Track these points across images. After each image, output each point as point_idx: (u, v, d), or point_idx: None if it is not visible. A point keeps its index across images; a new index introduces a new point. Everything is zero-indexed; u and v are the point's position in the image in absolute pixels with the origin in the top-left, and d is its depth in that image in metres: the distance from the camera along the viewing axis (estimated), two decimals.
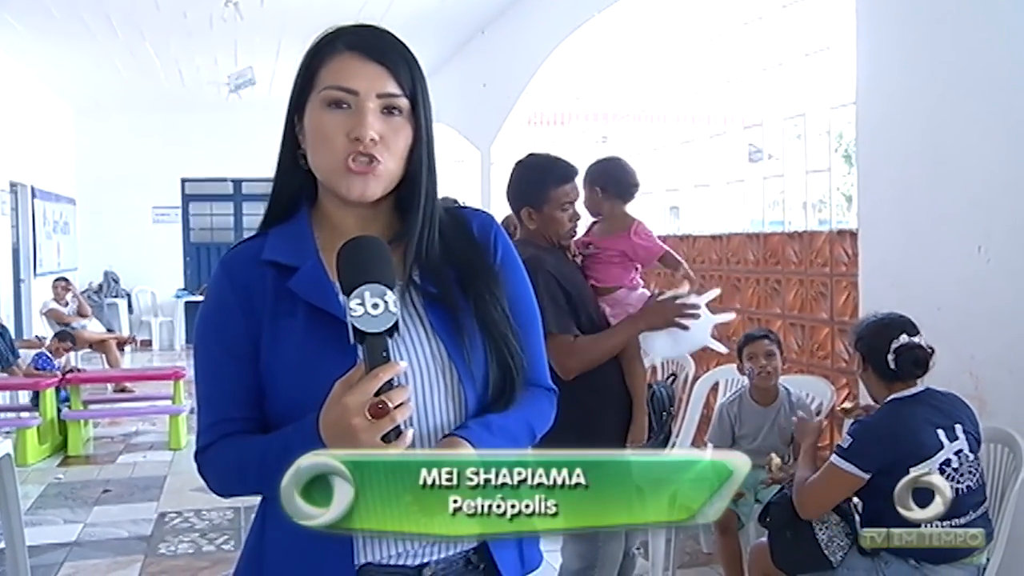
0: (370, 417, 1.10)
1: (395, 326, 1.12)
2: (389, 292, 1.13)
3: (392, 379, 1.12)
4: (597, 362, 2.69)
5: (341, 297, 1.17)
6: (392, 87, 1.27)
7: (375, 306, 1.12)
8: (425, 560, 1.28)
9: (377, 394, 1.11)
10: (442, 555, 1.28)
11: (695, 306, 2.73)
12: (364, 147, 1.25)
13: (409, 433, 1.13)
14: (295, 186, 1.35)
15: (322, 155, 1.28)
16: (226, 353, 1.29)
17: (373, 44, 1.29)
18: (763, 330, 3.80)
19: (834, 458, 2.63)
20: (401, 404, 1.11)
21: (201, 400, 1.33)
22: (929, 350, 2.63)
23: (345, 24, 1.33)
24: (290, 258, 1.30)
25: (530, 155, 2.86)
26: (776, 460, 3.10)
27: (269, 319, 1.28)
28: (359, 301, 1.12)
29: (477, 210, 1.45)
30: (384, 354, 1.12)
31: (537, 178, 2.75)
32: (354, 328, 1.12)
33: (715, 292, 2.91)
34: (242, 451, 1.27)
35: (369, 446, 1.11)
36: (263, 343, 1.28)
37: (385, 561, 1.26)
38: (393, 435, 1.11)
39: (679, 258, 3.01)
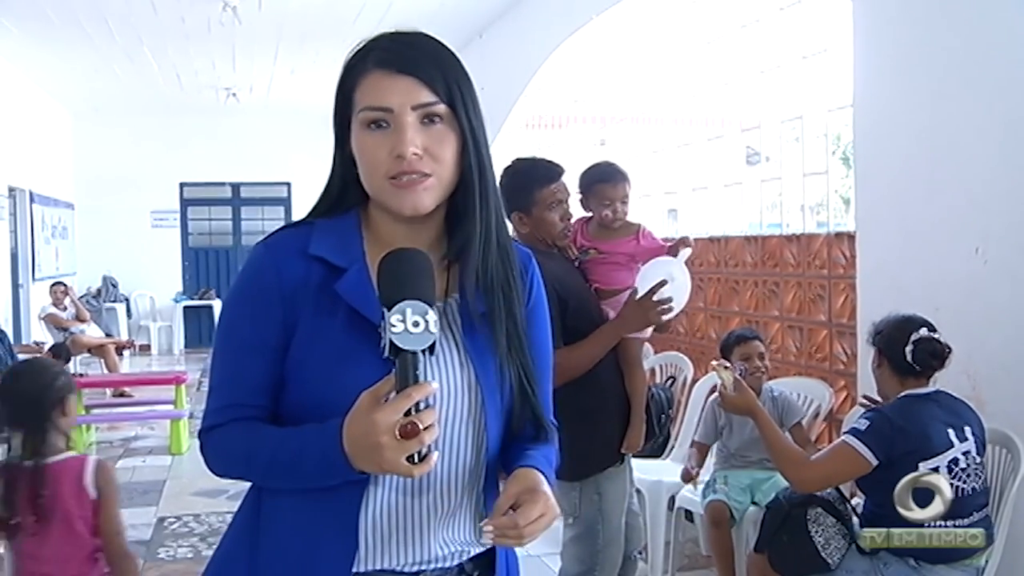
0: (399, 437, 1.09)
1: (432, 346, 1.11)
2: (430, 311, 1.11)
3: (420, 399, 1.10)
4: (577, 373, 2.59)
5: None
6: (426, 96, 1.24)
7: (415, 324, 1.10)
8: (421, 568, 1.28)
9: (406, 414, 1.09)
10: (437, 565, 1.29)
11: (669, 300, 2.62)
12: (408, 164, 1.22)
13: (434, 456, 1.11)
14: (352, 195, 1.33)
15: (369, 176, 1.27)
16: (256, 338, 1.27)
17: (401, 56, 1.26)
18: (752, 331, 3.79)
19: (848, 437, 2.60)
20: (429, 426, 1.10)
21: (217, 379, 1.31)
22: (948, 348, 2.64)
23: (373, 37, 1.30)
24: (338, 258, 1.28)
25: (515, 160, 2.86)
26: (728, 377, 2.83)
27: (309, 315, 1.26)
28: (400, 317, 1.10)
29: (517, 242, 1.43)
30: (416, 373, 1.10)
31: (522, 182, 2.74)
32: (390, 343, 1.10)
33: (687, 252, 2.83)
34: (253, 440, 1.25)
35: (393, 464, 1.10)
36: (297, 336, 1.26)
37: (381, 567, 1.26)
38: (418, 456, 1.10)
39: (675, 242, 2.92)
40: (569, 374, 2.50)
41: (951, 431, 2.57)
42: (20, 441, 2.35)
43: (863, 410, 2.80)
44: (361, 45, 1.30)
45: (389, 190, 1.25)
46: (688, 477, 3.60)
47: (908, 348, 2.64)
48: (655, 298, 2.58)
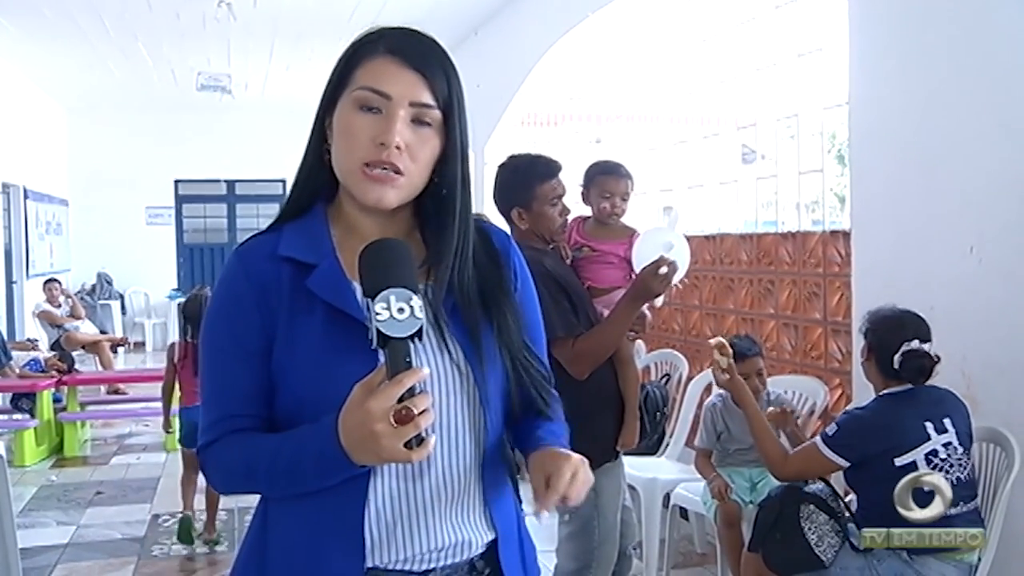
0: (394, 423, 1.09)
1: (420, 331, 1.11)
2: (415, 297, 1.11)
3: (414, 385, 1.10)
4: (608, 353, 2.68)
5: (360, 298, 1.15)
6: (426, 97, 1.25)
7: (401, 310, 1.10)
8: (431, 566, 1.28)
9: (400, 400, 1.09)
10: (448, 561, 1.28)
11: (674, 263, 2.64)
12: (388, 154, 1.23)
13: (432, 440, 1.12)
14: (317, 183, 1.33)
15: (344, 155, 1.27)
16: (238, 348, 1.27)
17: (414, 50, 1.27)
18: (750, 343, 3.64)
19: (818, 441, 2.69)
20: (424, 411, 1.10)
21: (207, 394, 1.31)
22: (936, 359, 2.66)
23: (389, 26, 1.31)
24: (307, 255, 1.27)
25: (511, 157, 2.88)
26: (724, 361, 2.97)
27: (286, 317, 1.25)
28: (384, 305, 1.10)
29: (494, 226, 1.44)
30: (407, 359, 1.10)
31: (522, 178, 2.77)
32: (378, 332, 1.10)
33: (676, 214, 2.86)
34: (250, 449, 1.25)
35: (391, 452, 1.10)
36: (278, 341, 1.26)
37: (392, 566, 1.26)
38: (415, 442, 1.10)
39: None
40: (596, 357, 2.65)
41: (929, 424, 2.60)
42: (191, 331, 4.59)
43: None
44: (374, 28, 1.30)
45: (359, 176, 1.25)
46: (722, 495, 3.43)
47: (897, 356, 2.66)
48: (662, 270, 2.60)
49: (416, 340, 1.11)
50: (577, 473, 1.23)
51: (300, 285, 1.26)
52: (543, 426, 1.36)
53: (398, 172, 1.24)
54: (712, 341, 3.06)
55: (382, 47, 1.27)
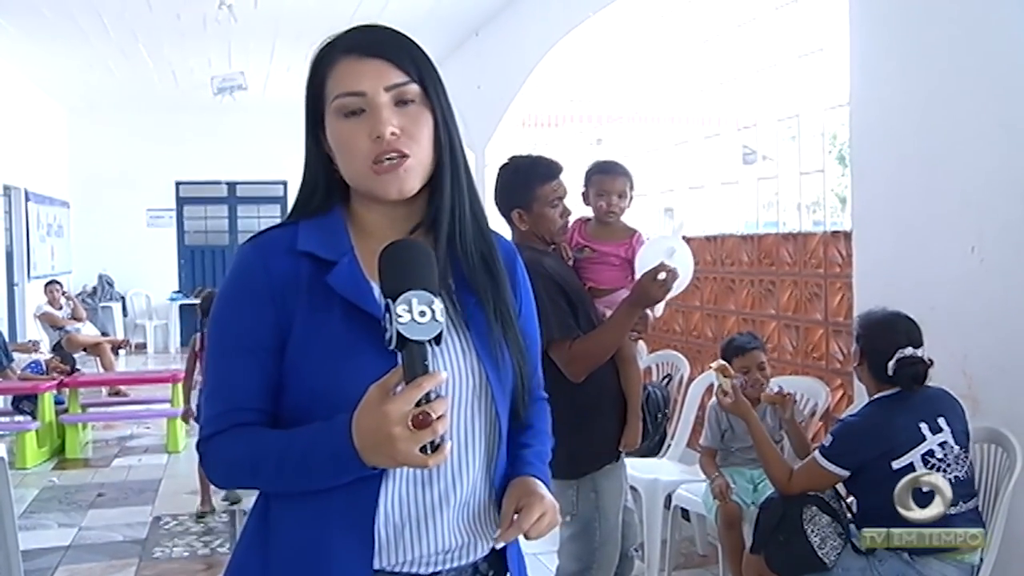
0: (412, 427, 1.08)
1: (439, 335, 1.10)
2: (436, 301, 1.10)
3: (431, 389, 1.09)
4: (605, 357, 2.68)
5: (378, 296, 1.14)
6: (397, 77, 1.25)
7: (422, 314, 1.09)
8: (437, 569, 1.27)
9: (417, 404, 1.08)
10: (454, 564, 1.28)
11: (674, 270, 2.64)
12: (388, 144, 1.23)
13: (448, 446, 1.11)
14: (330, 192, 1.33)
15: (350, 163, 1.27)
16: (248, 341, 1.25)
17: (368, 41, 1.27)
18: (751, 337, 3.67)
19: (817, 455, 2.72)
20: (441, 415, 1.09)
21: (212, 386, 1.29)
22: (929, 363, 2.66)
23: (337, 33, 1.31)
24: (327, 252, 1.26)
25: (512, 158, 2.89)
26: (727, 383, 3.08)
27: (303, 312, 1.24)
28: (406, 307, 1.09)
29: (501, 236, 1.44)
30: (425, 363, 1.09)
31: (523, 179, 2.77)
32: (397, 334, 1.09)
33: (681, 223, 2.90)
34: (256, 445, 1.23)
35: (406, 456, 1.10)
36: (292, 336, 1.24)
37: (398, 568, 1.25)
38: (431, 447, 1.10)
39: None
40: (593, 360, 2.64)
41: (923, 425, 2.61)
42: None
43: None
44: (325, 41, 1.31)
45: (372, 176, 1.25)
46: (724, 495, 3.42)
47: (891, 363, 2.67)
48: (661, 276, 2.59)
49: (433, 344, 1.10)
50: (545, 516, 1.27)
51: (318, 281, 1.25)
52: (531, 446, 1.38)
53: (404, 156, 1.24)
54: (713, 364, 3.11)
55: (339, 51, 1.28)
